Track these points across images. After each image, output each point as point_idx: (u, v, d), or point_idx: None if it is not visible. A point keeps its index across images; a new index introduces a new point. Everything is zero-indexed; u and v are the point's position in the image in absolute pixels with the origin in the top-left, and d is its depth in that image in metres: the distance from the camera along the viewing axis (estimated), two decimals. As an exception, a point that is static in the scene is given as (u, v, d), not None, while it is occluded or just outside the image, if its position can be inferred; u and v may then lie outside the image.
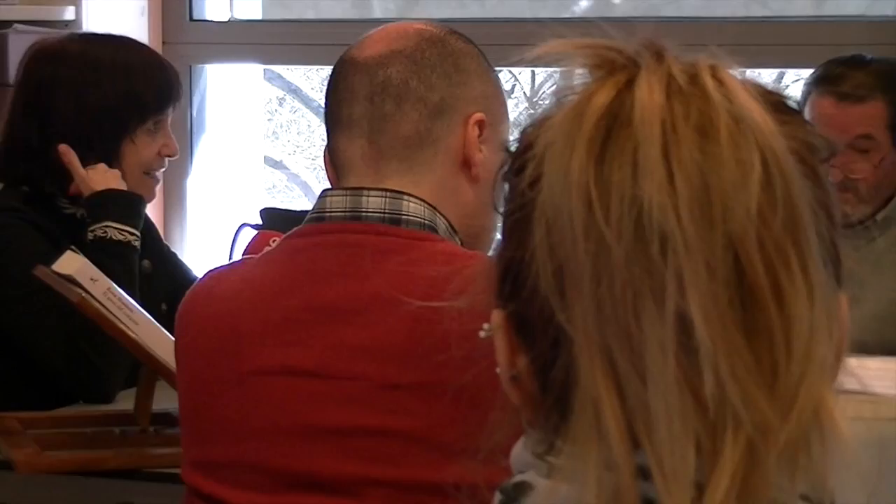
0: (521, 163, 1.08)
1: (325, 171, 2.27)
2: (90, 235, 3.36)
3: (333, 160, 2.20)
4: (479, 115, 2.18)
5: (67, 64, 3.45)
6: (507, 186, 1.12)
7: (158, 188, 3.62)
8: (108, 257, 3.27)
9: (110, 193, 3.40)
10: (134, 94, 3.44)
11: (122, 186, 3.42)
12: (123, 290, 3.06)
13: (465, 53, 2.21)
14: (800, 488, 1.05)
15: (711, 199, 0.98)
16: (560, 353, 1.04)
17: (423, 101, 2.15)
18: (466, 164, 2.18)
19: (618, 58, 1.04)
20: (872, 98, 3.84)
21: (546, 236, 1.03)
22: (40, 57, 3.51)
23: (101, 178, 3.40)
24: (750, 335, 0.98)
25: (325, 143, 2.24)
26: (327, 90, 2.23)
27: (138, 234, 3.40)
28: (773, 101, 1.09)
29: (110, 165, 3.40)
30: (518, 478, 1.10)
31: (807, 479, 1.04)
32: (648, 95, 1.00)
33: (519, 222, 1.08)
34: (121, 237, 3.37)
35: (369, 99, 2.16)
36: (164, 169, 3.56)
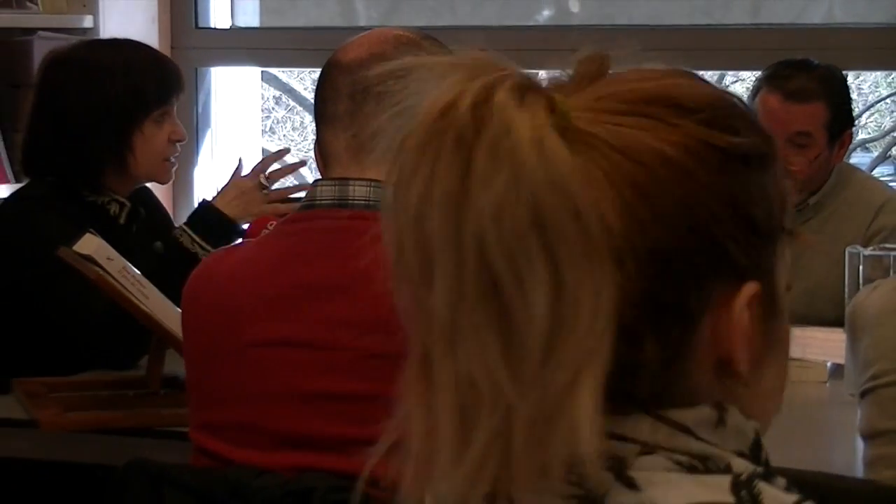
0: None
1: (315, 162, 2.27)
2: (175, 235, 3.41)
3: (320, 152, 2.20)
4: None
5: (74, 68, 3.45)
6: None
7: (173, 172, 3.60)
8: (168, 258, 3.34)
9: (216, 213, 3.45)
10: (136, 89, 3.43)
11: (236, 216, 3.45)
12: (167, 287, 3.01)
13: (432, 52, 2.21)
14: (733, 445, 1.05)
15: (462, 198, 0.98)
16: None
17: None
18: None
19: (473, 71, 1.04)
20: (815, 100, 3.84)
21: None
22: (51, 64, 3.52)
23: (232, 200, 3.47)
24: (498, 321, 0.98)
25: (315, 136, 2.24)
26: (316, 90, 2.23)
27: (209, 251, 3.32)
28: (668, 103, 1.08)
29: (122, 154, 3.41)
30: None
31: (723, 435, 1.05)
32: (428, 114, 1.02)
33: None
34: (190, 247, 3.37)
35: (351, 98, 2.16)
36: (178, 154, 3.54)
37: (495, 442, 0.98)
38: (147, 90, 3.44)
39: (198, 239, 3.38)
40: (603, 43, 1.10)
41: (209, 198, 3.56)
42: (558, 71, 1.08)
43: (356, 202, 2.12)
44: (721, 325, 1.07)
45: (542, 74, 1.05)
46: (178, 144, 3.52)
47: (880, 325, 2.35)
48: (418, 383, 1.03)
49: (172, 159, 3.53)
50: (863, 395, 2.36)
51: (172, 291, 2.85)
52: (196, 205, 3.60)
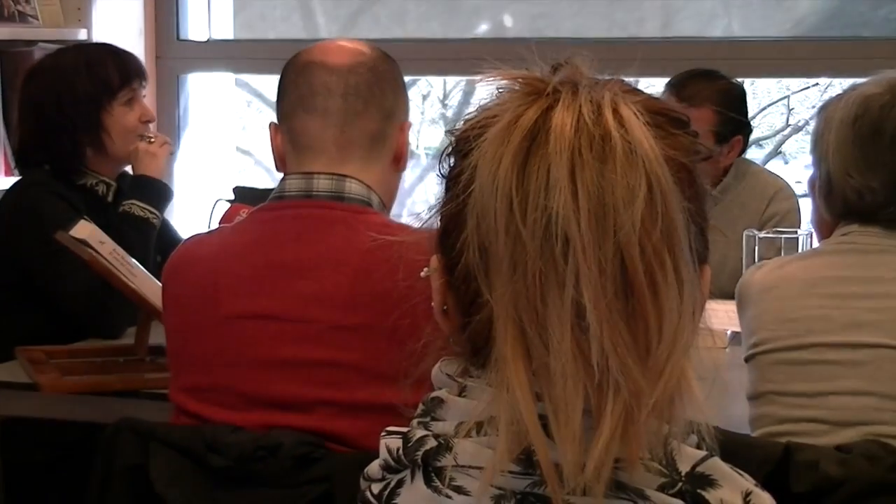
0: (459, 169, 1.07)
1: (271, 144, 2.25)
2: (121, 208, 3.44)
3: (295, 138, 2.17)
4: (408, 123, 2.22)
5: (47, 75, 3.48)
6: (444, 181, 1.12)
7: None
8: (129, 227, 3.38)
9: (144, 179, 3.48)
10: (99, 78, 3.45)
11: (158, 175, 3.50)
12: (137, 254, 3.11)
13: (399, 71, 2.21)
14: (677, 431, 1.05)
15: (605, 212, 0.98)
16: (479, 308, 1.04)
17: (381, 106, 2.16)
18: (397, 159, 2.21)
19: (543, 87, 1.03)
20: (703, 105, 3.86)
21: (476, 226, 1.03)
22: (28, 76, 3.56)
23: (145, 165, 3.49)
24: (630, 321, 0.98)
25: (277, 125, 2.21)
26: (287, 83, 2.20)
27: (158, 214, 3.47)
28: (668, 118, 1.10)
29: (98, 136, 3.44)
30: (435, 393, 1.09)
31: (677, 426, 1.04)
32: (561, 126, 1.00)
33: (456, 211, 1.08)
34: (141, 214, 3.43)
35: (343, 97, 2.15)
36: (150, 133, 3.53)
37: (619, 426, 0.98)
38: (110, 78, 3.46)
39: (145, 205, 3.45)
40: (543, 54, 1.10)
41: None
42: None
43: (320, 194, 2.11)
44: None
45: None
46: (149, 125, 3.53)
47: (761, 300, 2.36)
48: (517, 370, 0.99)
49: (149, 136, 3.53)
50: (747, 360, 2.37)
51: (140, 255, 3.10)
52: (175, 192, 3.62)
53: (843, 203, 2.32)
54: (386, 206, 2.18)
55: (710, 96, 3.90)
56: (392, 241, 1.91)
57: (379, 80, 2.16)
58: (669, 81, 3.96)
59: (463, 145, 1.08)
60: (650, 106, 1.08)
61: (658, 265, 0.97)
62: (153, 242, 3.40)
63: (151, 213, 3.45)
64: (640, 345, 0.97)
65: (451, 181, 1.09)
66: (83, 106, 3.42)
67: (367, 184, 2.13)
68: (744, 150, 4.10)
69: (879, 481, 1.95)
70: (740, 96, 4.01)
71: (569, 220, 0.97)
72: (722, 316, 2.81)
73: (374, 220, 2.08)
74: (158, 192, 3.50)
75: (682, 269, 0.98)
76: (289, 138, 2.18)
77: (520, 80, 1.05)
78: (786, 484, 1.95)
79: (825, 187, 2.35)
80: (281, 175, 2.20)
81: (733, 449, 1.95)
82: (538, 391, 0.99)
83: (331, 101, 2.15)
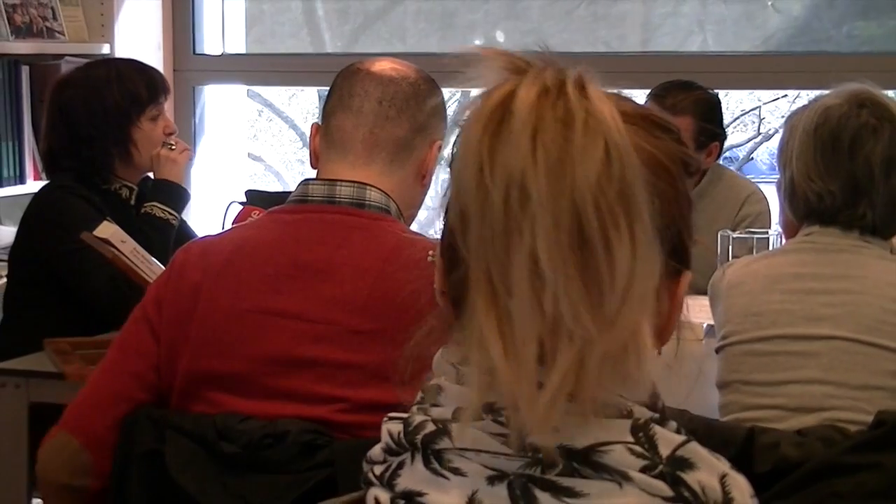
0: (453, 150, 1.07)
1: (308, 153, 2.25)
2: (143, 209, 3.46)
3: (330, 134, 2.16)
4: (439, 143, 2.19)
5: (76, 86, 3.46)
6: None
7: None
8: (150, 228, 3.40)
9: (165, 183, 3.49)
10: (129, 94, 3.44)
11: (178, 179, 3.51)
12: (157, 251, 3.13)
13: (441, 96, 2.21)
14: (636, 397, 1.04)
15: (563, 170, 0.97)
16: (458, 266, 1.03)
17: (414, 118, 2.15)
18: (421, 173, 2.19)
19: (520, 65, 1.03)
20: (685, 114, 3.85)
21: (456, 193, 1.02)
22: (58, 86, 3.52)
23: (167, 170, 3.50)
24: (583, 271, 0.96)
25: (298, 140, 2.22)
26: (335, 86, 2.20)
27: (177, 215, 3.49)
28: (652, 121, 1.10)
29: (126, 148, 3.43)
30: (434, 380, 1.08)
31: (633, 387, 1.03)
32: (526, 95, 0.99)
33: (447, 189, 1.08)
34: (162, 215, 3.45)
35: (379, 102, 2.14)
36: (172, 144, 3.53)
37: (572, 370, 0.97)
38: (139, 93, 3.45)
39: (165, 207, 3.47)
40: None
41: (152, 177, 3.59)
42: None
43: (342, 200, 2.09)
44: (665, 303, 1.09)
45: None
46: (172, 137, 3.52)
47: (729, 296, 2.37)
48: (488, 316, 0.99)
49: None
50: (717, 351, 2.38)
51: (160, 253, 3.12)
52: (191, 195, 3.63)
53: (805, 205, 2.34)
54: (404, 216, 2.16)
55: (690, 106, 3.90)
56: (410, 250, 1.92)
57: (417, 95, 2.16)
58: (651, 92, 3.96)
59: (459, 128, 1.08)
60: (636, 109, 1.08)
61: (612, 223, 0.96)
62: (172, 241, 3.41)
63: (171, 214, 3.47)
64: (592, 295, 0.97)
65: (450, 166, 1.09)
66: (113, 118, 3.41)
67: (387, 191, 2.11)
68: (719, 156, 4.11)
69: (834, 462, 1.96)
70: (717, 106, 4.02)
71: (528, 175, 0.96)
72: (698, 310, 2.81)
73: (392, 228, 2.07)
74: (178, 196, 3.52)
75: (637, 230, 0.97)
76: (325, 133, 2.17)
77: (501, 56, 1.05)
78: (749, 464, 1.96)
79: (789, 191, 2.37)
80: (300, 176, 2.19)
81: (702, 432, 1.97)
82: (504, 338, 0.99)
83: (367, 103, 2.14)
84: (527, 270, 0.96)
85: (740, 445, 1.98)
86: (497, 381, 0.98)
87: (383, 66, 2.19)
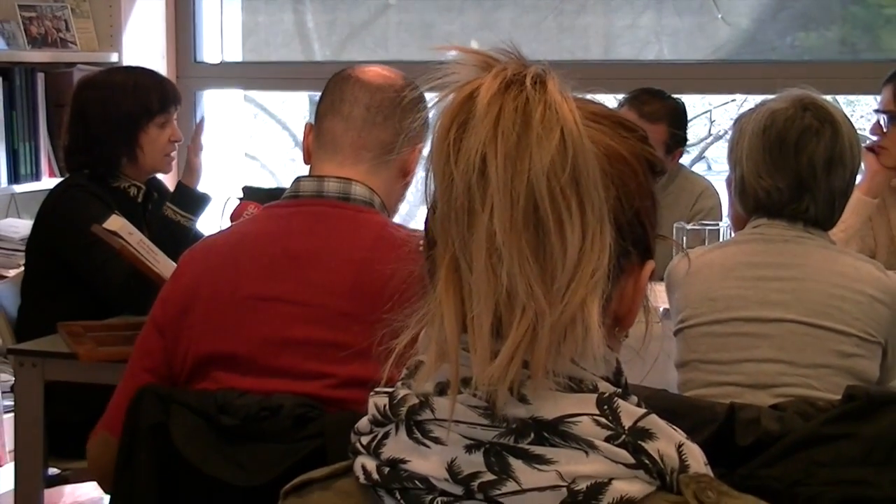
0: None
1: (299, 152, 2.25)
2: (164, 211, 3.50)
3: (322, 136, 2.16)
4: (422, 146, 2.18)
5: (96, 88, 3.46)
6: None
7: (173, 165, 3.63)
8: (163, 228, 3.44)
9: (185, 188, 3.55)
10: (142, 102, 3.44)
11: (196, 185, 3.58)
12: (168, 249, 3.12)
13: (424, 101, 2.19)
14: (600, 372, 1.04)
15: (520, 154, 0.96)
16: (431, 245, 1.03)
17: (399, 124, 2.14)
18: (404, 174, 2.18)
19: (491, 62, 1.02)
20: (660, 122, 3.87)
21: (430, 178, 1.02)
22: (81, 85, 3.53)
23: (190, 178, 3.58)
24: (536, 249, 0.96)
25: (290, 140, 2.21)
26: (328, 89, 2.19)
27: (193, 217, 3.52)
28: (618, 121, 1.10)
29: (133, 150, 3.43)
30: (419, 356, 1.08)
31: (590, 361, 1.02)
32: (489, 87, 0.99)
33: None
34: (175, 218, 3.49)
35: (367, 108, 2.13)
36: (176, 151, 3.55)
37: (524, 340, 0.97)
38: (150, 103, 3.45)
39: (178, 210, 3.49)
40: None
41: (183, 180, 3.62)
42: None
43: (329, 194, 2.09)
44: (628, 289, 1.09)
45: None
46: (176, 144, 3.53)
47: (686, 283, 2.37)
48: (447, 289, 0.99)
49: (172, 154, 3.55)
50: (675, 333, 2.38)
51: (169, 250, 3.09)
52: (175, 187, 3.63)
53: (754, 200, 2.34)
54: (388, 209, 2.16)
55: (665, 115, 3.91)
56: (392, 239, 1.92)
57: (402, 102, 2.15)
58: (630, 98, 3.96)
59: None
60: (603, 110, 1.08)
61: (564, 205, 0.96)
62: (188, 240, 3.38)
63: (183, 216, 3.49)
64: (546, 272, 0.96)
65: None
66: (124, 123, 3.41)
67: (371, 187, 2.11)
68: (679, 157, 4.11)
69: (813, 434, 1.96)
70: (685, 114, 4.03)
71: (488, 159, 0.96)
72: (656, 295, 2.82)
73: (376, 219, 2.07)
74: (199, 200, 3.56)
75: (588, 212, 0.97)
76: (317, 135, 2.16)
77: (475, 56, 1.05)
78: (731, 438, 1.96)
79: (739, 187, 2.37)
80: (293, 174, 2.18)
81: (685, 410, 1.97)
82: (465, 312, 0.99)
83: (356, 109, 2.14)
84: (485, 247, 0.96)
85: (722, 421, 1.98)
86: (449, 350, 0.98)
87: (373, 74, 2.18)
